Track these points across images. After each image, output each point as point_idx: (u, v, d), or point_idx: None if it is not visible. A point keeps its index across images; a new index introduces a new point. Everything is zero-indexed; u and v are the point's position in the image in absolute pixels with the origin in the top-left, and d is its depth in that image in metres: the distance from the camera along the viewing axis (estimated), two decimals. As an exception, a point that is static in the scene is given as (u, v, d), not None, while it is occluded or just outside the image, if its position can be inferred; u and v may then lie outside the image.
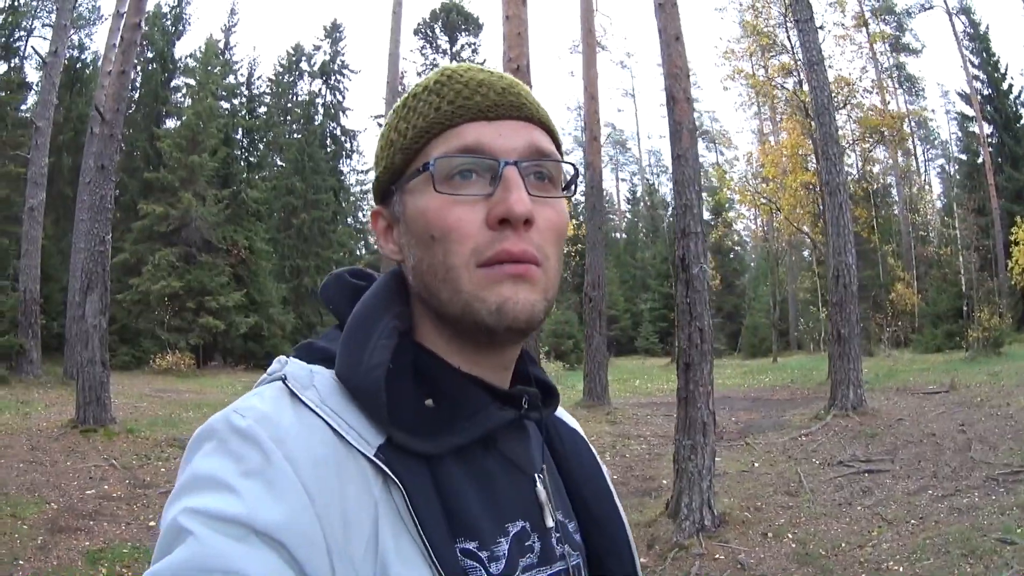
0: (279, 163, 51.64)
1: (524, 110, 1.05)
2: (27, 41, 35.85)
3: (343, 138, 57.94)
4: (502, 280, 0.96)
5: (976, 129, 44.35)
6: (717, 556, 8.49)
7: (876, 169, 46.93)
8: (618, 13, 74.48)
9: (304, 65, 57.55)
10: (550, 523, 1.05)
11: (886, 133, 35.59)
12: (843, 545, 8.28)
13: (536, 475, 1.08)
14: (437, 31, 58.26)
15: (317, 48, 59.01)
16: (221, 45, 49.09)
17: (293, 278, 45.43)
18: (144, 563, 7.31)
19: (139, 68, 39.36)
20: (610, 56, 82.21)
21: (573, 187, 1.09)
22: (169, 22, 42.29)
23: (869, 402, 16.95)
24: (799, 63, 27.44)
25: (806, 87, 22.61)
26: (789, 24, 28.95)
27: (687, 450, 9.46)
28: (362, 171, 58.54)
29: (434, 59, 57.66)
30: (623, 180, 71.72)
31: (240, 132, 49.59)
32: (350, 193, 57.27)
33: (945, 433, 13.50)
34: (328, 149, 55.57)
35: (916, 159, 55.92)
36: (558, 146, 1.10)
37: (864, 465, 12.02)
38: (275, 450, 0.85)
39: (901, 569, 7.40)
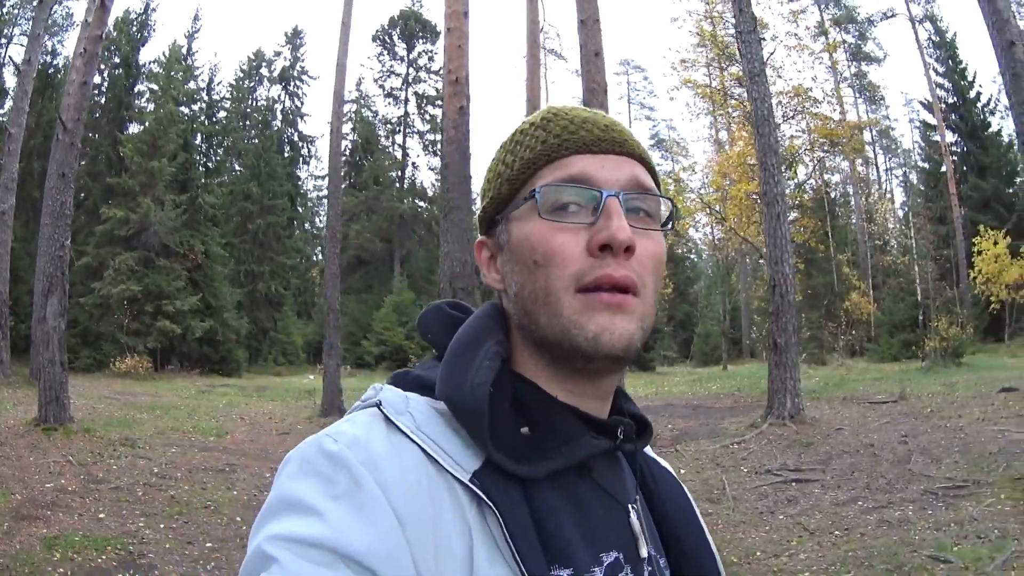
0: (238, 168, 52.85)
1: (626, 146, 1.13)
2: (6, 49, 37.65)
3: (300, 144, 59.93)
4: (600, 309, 1.02)
5: (938, 138, 45.93)
6: None
7: (837, 178, 49.31)
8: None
9: (264, 71, 59.13)
10: (644, 554, 1.09)
11: (839, 142, 37.00)
12: (758, 554, 8.61)
13: (630, 505, 1.13)
14: (395, 38, 60.68)
15: (278, 54, 60.83)
16: (184, 51, 50.42)
17: (248, 283, 46.71)
18: (93, 550, 8.14)
19: (106, 73, 40.77)
20: (566, 65, 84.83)
21: (671, 223, 1.16)
22: (135, 28, 43.29)
23: (809, 411, 17.48)
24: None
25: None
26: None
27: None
28: (320, 176, 60.20)
29: (391, 66, 59.96)
30: None
31: (199, 137, 51.15)
32: (307, 199, 59.05)
33: (885, 444, 13.85)
34: (285, 155, 57.21)
35: (877, 168, 57.84)
36: (657, 183, 1.17)
37: (793, 474, 12.43)
38: (366, 474, 0.89)
39: (817, 581, 7.85)
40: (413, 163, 57.91)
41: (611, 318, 1.01)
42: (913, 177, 55.04)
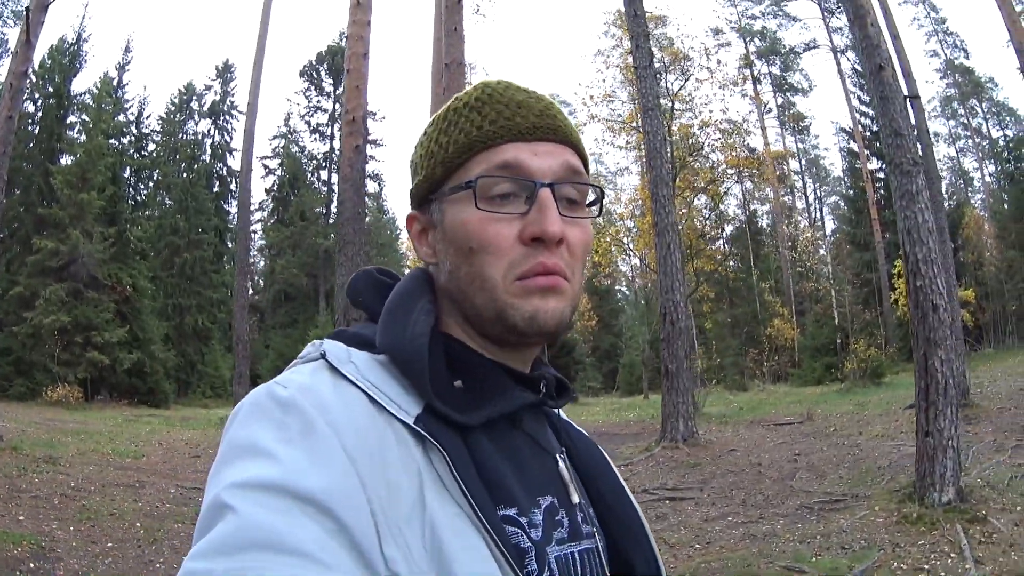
0: (168, 202, 54.49)
1: (559, 132, 1.23)
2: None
3: (229, 178, 61.09)
4: (534, 291, 1.14)
5: (860, 165, 48.98)
6: None
7: (766, 207, 53.10)
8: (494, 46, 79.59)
9: (195, 104, 60.88)
10: (575, 499, 1.22)
11: (753, 171, 40.01)
12: None
13: (557, 455, 1.26)
14: (322, 73, 63.32)
15: (208, 88, 62.32)
16: (115, 82, 52.34)
17: (176, 316, 48.60)
18: (10, 543, 9.55)
19: (39, 103, 42.34)
20: None
21: (598, 205, 1.29)
22: (67, 58, 44.49)
23: (709, 434, 19.12)
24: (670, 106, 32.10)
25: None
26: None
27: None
28: (253, 209, 60.16)
29: (318, 101, 62.29)
30: None
31: (128, 170, 53.18)
32: (236, 233, 60.27)
33: (774, 463, 15.03)
34: (215, 189, 59.15)
35: (807, 196, 61.02)
36: (586, 165, 1.28)
37: (669, 493, 13.56)
38: (317, 417, 0.97)
39: (664, 591, 9.49)
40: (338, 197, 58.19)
41: (544, 299, 1.15)
42: (841, 204, 58.27)
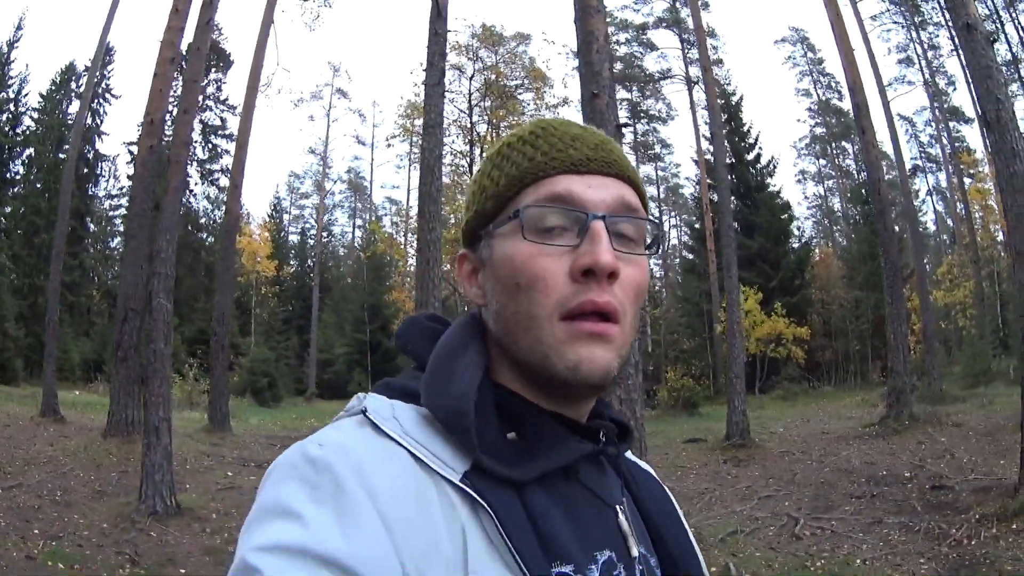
0: (39, 184, 53.77)
1: (615, 166, 1.19)
2: None
3: (96, 162, 60.61)
4: (581, 338, 1.09)
5: (714, 196, 46.76)
6: (171, 535, 11.60)
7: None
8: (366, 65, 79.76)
9: (74, 85, 59.55)
10: (635, 553, 1.16)
11: None
12: (230, 549, 9.66)
13: (617, 507, 1.20)
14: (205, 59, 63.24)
15: (88, 69, 58.85)
16: (5, 58, 52.68)
17: (31, 296, 48.30)
18: None
19: None
20: (349, 104, 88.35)
21: (657, 246, 1.22)
22: None
23: None
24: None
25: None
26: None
27: (146, 447, 12.84)
28: (114, 196, 61.09)
29: (199, 86, 62.21)
30: (359, 227, 76.13)
31: (3, 148, 53.04)
32: (102, 217, 60.04)
33: None
34: (83, 171, 57.54)
35: (661, 222, 62.72)
36: (644, 204, 1.23)
37: None
38: (351, 478, 0.93)
39: None
40: (191, 190, 57.39)
41: (591, 348, 1.09)
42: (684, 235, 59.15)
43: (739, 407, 22.43)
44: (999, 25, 42.69)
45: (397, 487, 0.96)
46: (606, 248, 1.09)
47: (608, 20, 46.83)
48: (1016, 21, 42.44)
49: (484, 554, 0.97)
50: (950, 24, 18.82)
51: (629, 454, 1.39)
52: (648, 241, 1.21)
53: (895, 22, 46.32)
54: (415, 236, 39.37)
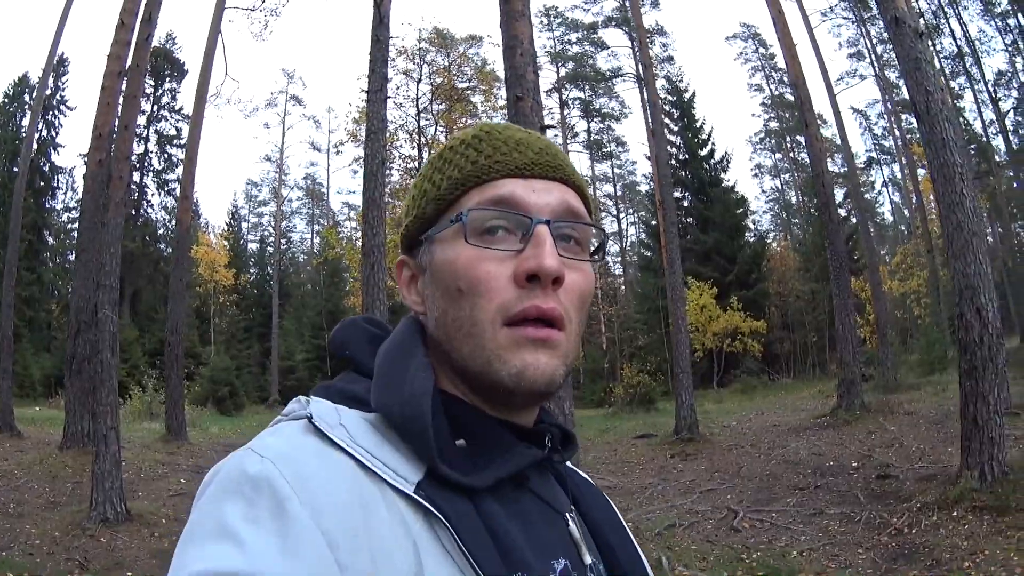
0: None
1: (560, 171, 1.17)
2: None
3: (52, 174, 60.00)
4: (524, 344, 1.06)
5: (676, 193, 48.46)
6: (121, 541, 11.81)
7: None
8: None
9: (28, 97, 58.48)
10: (588, 560, 1.15)
11: None
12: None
13: (567, 514, 1.19)
14: (145, 75, 62.82)
15: (40, 80, 61.47)
16: None
17: None
18: None
19: None
20: (303, 111, 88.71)
21: (602, 252, 1.23)
22: None
23: None
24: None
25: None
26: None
27: (96, 456, 13.89)
28: (71, 208, 60.05)
29: (139, 102, 61.88)
30: (318, 232, 74.54)
31: None
32: (59, 231, 59.56)
33: None
34: (39, 184, 57.61)
35: (619, 221, 62.38)
36: (590, 210, 1.21)
37: None
38: (291, 495, 0.88)
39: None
40: (147, 201, 58.85)
41: (536, 354, 1.07)
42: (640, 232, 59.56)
43: (687, 402, 22.52)
44: (945, 20, 43.13)
45: (343, 501, 0.92)
46: (551, 253, 1.07)
47: (559, 20, 47.13)
48: (959, 17, 42.79)
49: (440, 565, 0.94)
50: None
51: (568, 463, 1.36)
52: (593, 247, 1.20)
53: (845, 17, 46.49)
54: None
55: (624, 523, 1.35)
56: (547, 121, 47.94)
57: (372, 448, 1.00)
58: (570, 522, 1.17)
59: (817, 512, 12.52)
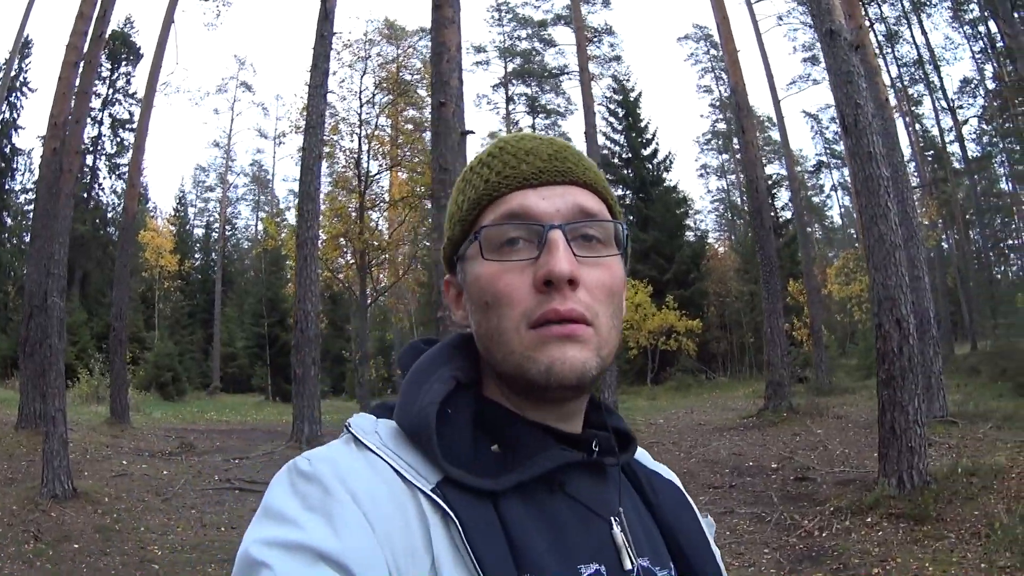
0: None
1: (570, 174, 1.19)
2: None
3: (13, 156, 58.72)
4: (551, 341, 1.09)
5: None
6: (68, 516, 12.15)
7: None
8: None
9: None
10: (628, 566, 1.13)
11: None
12: (142, 529, 11.91)
13: (612, 518, 1.18)
14: (102, 59, 61.73)
15: (7, 62, 59.97)
16: None
17: None
18: None
19: None
20: (253, 98, 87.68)
21: (624, 245, 1.23)
22: None
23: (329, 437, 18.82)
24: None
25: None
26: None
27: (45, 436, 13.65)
28: (30, 189, 57.49)
29: (94, 86, 60.92)
30: (262, 220, 74.45)
31: None
32: (16, 212, 58.52)
33: None
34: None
35: None
36: (611, 205, 1.23)
37: (247, 484, 15.24)
38: (336, 486, 1.00)
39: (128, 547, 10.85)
40: (99, 184, 57.83)
41: (563, 349, 1.09)
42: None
43: (609, 398, 22.08)
44: (908, 27, 43.59)
45: (377, 492, 1.01)
46: (562, 257, 1.10)
47: (510, 16, 47.03)
48: (921, 24, 43.24)
49: (451, 563, 0.99)
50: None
51: (652, 462, 1.43)
52: (619, 240, 1.22)
53: (802, 23, 46.78)
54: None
55: (704, 527, 1.37)
56: (500, 115, 48.46)
57: (398, 452, 1.08)
58: (614, 526, 1.17)
59: (728, 511, 12.49)
